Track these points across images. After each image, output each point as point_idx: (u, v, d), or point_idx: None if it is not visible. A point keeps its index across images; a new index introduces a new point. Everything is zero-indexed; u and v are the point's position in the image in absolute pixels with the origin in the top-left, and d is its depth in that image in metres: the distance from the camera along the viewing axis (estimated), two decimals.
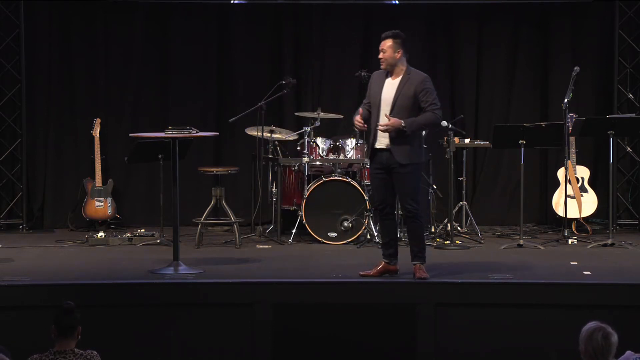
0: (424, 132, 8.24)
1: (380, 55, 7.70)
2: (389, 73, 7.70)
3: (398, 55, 7.65)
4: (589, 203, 10.33)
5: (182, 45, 11.19)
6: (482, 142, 10.55)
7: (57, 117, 11.09)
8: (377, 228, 9.72)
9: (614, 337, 4.73)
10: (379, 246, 9.39)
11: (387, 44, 7.67)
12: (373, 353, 7.43)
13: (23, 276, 7.77)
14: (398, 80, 7.66)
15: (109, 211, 10.62)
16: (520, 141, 9.46)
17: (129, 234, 9.88)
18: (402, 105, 7.58)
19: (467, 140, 10.51)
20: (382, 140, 7.63)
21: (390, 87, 7.66)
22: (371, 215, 9.70)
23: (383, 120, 7.56)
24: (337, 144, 10.03)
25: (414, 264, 7.73)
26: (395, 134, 7.54)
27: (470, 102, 11.30)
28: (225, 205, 9.69)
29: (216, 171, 10.08)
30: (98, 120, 10.72)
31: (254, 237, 10.11)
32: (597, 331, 4.71)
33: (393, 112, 7.57)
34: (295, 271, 8.03)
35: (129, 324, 7.36)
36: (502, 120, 11.06)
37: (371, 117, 7.70)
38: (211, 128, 10.52)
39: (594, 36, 11.23)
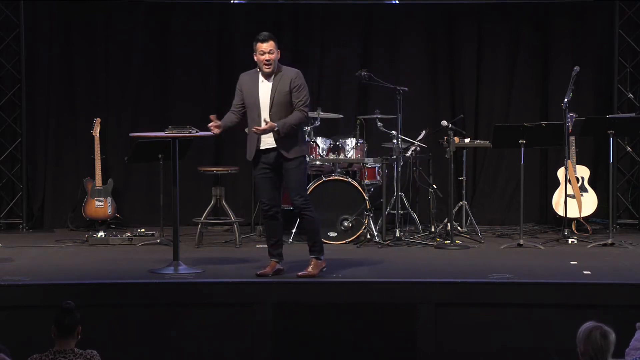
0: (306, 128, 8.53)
1: (268, 57, 7.71)
2: (263, 74, 7.76)
3: (278, 55, 7.77)
4: (589, 203, 10.33)
5: (182, 45, 11.19)
6: (482, 142, 10.55)
7: (57, 117, 11.09)
8: (377, 227, 9.74)
9: (612, 336, 4.72)
10: (379, 246, 9.45)
11: (272, 45, 7.73)
12: (373, 353, 7.43)
13: (23, 276, 7.77)
14: (272, 79, 7.75)
15: (109, 211, 10.62)
16: (520, 141, 9.46)
17: (129, 234, 9.89)
18: (280, 102, 7.70)
19: (467, 140, 10.51)
20: (267, 141, 7.76)
21: (265, 88, 7.76)
22: (371, 215, 9.70)
23: (262, 124, 7.64)
24: (337, 143, 10.03)
25: (312, 258, 7.85)
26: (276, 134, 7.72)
27: (470, 102, 11.30)
28: (225, 205, 9.70)
29: (216, 171, 10.08)
30: (98, 120, 10.72)
31: (254, 236, 10.12)
32: (594, 330, 4.71)
33: (272, 111, 7.68)
34: (295, 271, 8.02)
35: (129, 324, 7.37)
36: (502, 120, 11.06)
37: (249, 120, 7.79)
38: None
39: (594, 36, 11.22)
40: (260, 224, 10.16)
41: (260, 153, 7.79)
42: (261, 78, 7.77)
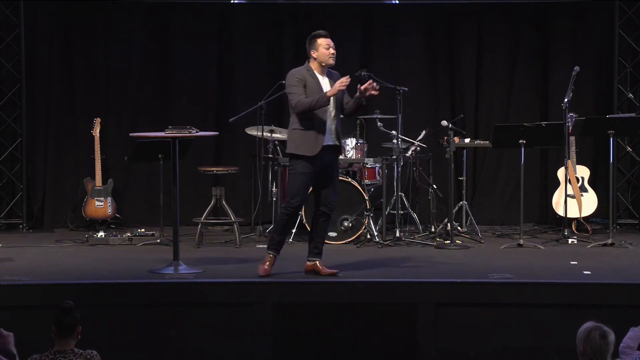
0: None
1: (333, 51, 7.86)
2: (321, 69, 7.84)
3: None
4: (589, 203, 10.33)
5: (182, 45, 11.19)
6: (482, 142, 10.55)
7: (57, 117, 11.09)
8: (377, 227, 9.75)
9: (612, 336, 4.73)
10: (379, 246, 9.45)
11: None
12: (373, 353, 7.43)
13: (23, 276, 7.78)
14: (325, 76, 7.84)
15: (109, 211, 10.62)
16: (520, 141, 9.46)
17: (129, 234, 9.88)
18: (338, 99, 7.83)
19: (467, 140, 10.51)
20: (332, 137, 7.79)
21: (326, 84, 7.81)
22: (371, 215, 9.70)
23: (330, 121, 7.74)
24: None
25: (317, 260, 7.88)
26: (339, 127, 7.84)
27: (470, 102, 11.30)
28: (225, 205, 9.70)
29: (216, 171, 10.08)
30: (98, 120, 10.72)
31: (254, 236, 10.12)
32: (594, 331, 4.71)
33: (336, 107, 7.79)
34: (295, 271, 8.02)
35: (129, 324, 7.36)
36: (502, 120, 11.06)
37: (315, 117, 7.72)
38: (211, 128, 10.51)
39: (594, 36, 11.23)
40: (261, 223, 10.16)
41: (324, 149, 7.74)
42: (319, 75, 7.82)
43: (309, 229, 9.52)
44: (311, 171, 7.73)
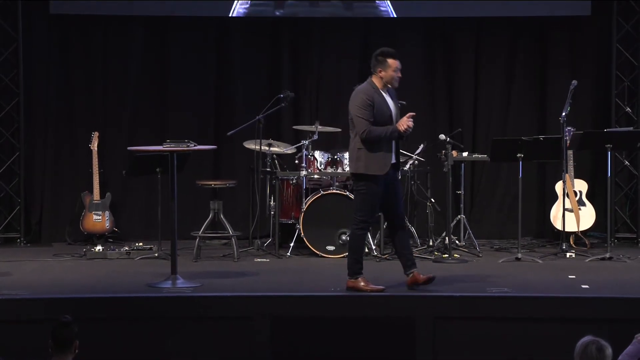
0: None
1: (400, 76, 7.86)
2: (386, 89, 7.85)
3: None
4: (587, 216, 10.33)
5: (180, 59, 11.19)
6: (480, 156, 10.54)
7: (55, 131, 11.09)
8: (375, 242, 9.74)
9: (609, 350, 4.72)
10: (377, 259, 9.44)
11: None
12: None
13: (21, 290, 7.76)
14: (387, 93, 7.85)
15: (107, 225, 10.61)
16: (518, 155, 9.47)
17: (126, 248, 9.87)
18: (398, 116, 7.90)
19: (465, 154, 10.50)
20: (394, 154, 7.83)
21: (391, 103, 7.85)
22: (370, 229, 9.69)
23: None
24: (335, 157, 10.03)
25: (414, 271, 7.86)
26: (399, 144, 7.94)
27: (468, 116, 11.30)
28: (223, 219, 9.69)
29: (214, 184, 10.07)
30: (96, 134, 10.72)
31: (252, 250, 10.10)
32: (591, 345, 4.71)
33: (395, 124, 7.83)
34: (293, 285, 8.02)
35: (126, 338, 7.35)
36: (500, 134, 11.05)
37: None
38: (209, 141, 10.51)
39: (591, 50, 11.24)
40: (259, 237, 10.14)
41: (390, 166, 7.78)
42: (384, 94, 7.82)
43: (307, 243, 9.58)
44: (382, 189, 7.73)
